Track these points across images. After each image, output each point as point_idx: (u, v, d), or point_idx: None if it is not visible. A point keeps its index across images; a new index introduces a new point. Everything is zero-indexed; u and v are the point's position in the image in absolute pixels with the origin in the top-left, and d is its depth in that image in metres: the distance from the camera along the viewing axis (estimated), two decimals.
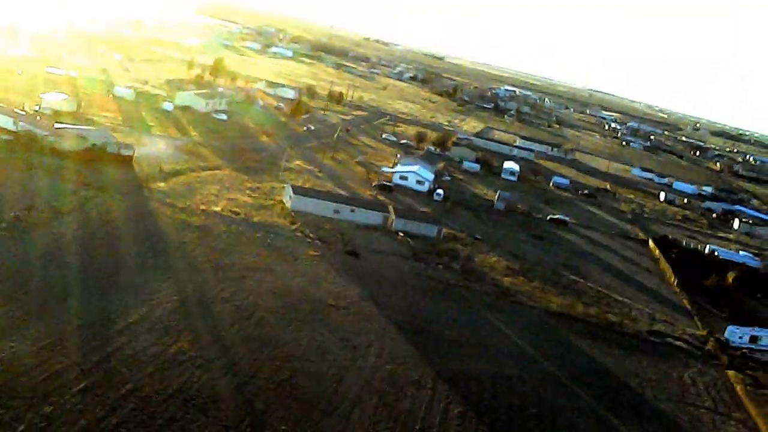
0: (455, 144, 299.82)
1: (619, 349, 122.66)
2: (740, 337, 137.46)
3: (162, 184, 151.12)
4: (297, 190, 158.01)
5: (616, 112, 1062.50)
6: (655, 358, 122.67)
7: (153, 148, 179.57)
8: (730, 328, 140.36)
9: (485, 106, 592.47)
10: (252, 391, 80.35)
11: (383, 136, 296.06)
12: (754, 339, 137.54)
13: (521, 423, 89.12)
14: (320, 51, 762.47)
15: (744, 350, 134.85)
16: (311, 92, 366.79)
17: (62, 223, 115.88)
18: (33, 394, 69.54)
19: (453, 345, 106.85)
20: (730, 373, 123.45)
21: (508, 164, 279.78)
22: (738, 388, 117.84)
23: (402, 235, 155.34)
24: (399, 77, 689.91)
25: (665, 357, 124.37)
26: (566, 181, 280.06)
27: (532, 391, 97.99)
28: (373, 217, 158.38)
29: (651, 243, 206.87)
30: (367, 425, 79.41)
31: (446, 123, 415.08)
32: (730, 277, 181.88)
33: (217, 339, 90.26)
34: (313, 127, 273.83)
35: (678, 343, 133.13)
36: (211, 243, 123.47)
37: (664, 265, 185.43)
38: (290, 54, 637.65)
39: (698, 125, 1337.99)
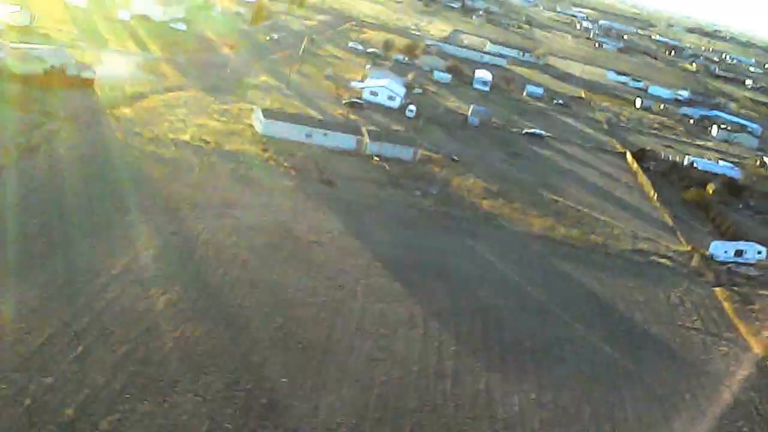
0: (425, 52, 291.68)
1: (605, 271, 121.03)
2: (725, 252, 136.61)
3: (127, 110, 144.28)
4: (267, 114, 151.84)
5: (587, 8, 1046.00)
6: (641, 278, 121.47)
7: (113, 67, 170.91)
8: (714, 243, 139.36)
9: (452, 5, 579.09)
10: (247, 342, 77.27)
11: (349, 44, 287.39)
12: (738, 253, 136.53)
13: (516, 357, 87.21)
14: None
15: (729, 265, 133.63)
16: None
17: (30, 163, 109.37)
18: (31, 364, 65.96)
19: (438, 278, 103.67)
20: (717, 290, 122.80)
21: (480, 73, 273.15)
22: (726, 305, 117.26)
23: (377, 159, 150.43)
24: None
25: (651, 277, 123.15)
26: (540, 90, 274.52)
27: (523, 323, 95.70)
28: (347, 141, 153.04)
29: (629, 156, 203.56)
30: (364, 370, 77.29)
31: (413, 27, 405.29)
32: (711, 189, 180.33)
33: (204, 287, 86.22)
34: (276, 36, 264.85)
35: (663, 260, 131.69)
36: (184, 178, 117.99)
37: (643, 179, 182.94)
38: None
39: (672, 22, 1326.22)
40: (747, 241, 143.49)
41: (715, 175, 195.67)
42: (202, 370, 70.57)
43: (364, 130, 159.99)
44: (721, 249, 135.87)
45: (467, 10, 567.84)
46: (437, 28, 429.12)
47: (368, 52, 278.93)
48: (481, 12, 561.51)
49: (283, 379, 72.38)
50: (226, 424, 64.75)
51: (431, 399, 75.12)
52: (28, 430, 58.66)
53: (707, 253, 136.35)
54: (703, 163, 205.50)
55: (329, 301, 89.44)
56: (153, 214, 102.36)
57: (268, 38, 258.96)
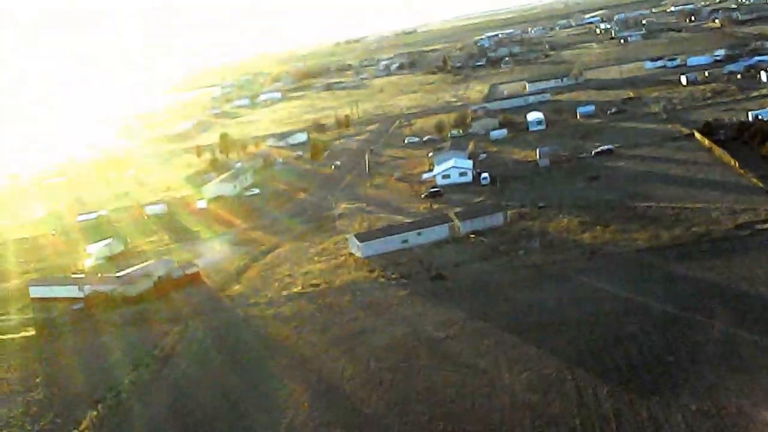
0: (473, 119, 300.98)
1: (718, 258, 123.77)
2: None
3: (237, 287, 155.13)
4: (361, 237, 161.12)
5: (597, 9, 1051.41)
6: (754, 252, 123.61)
7: (210, 254, 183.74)
8: None
9: (478, 64, 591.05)
10: None
11: (405, 141, 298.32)
12: None
13: (667, 375, 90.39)
14: (304, 79, 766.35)
15: None
16: (319, 128, 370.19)
17: (170, 369, 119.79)
18: None
19: (567, 329, 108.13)
20: None
21: (532, 115, 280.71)
22: None
23: (473, 236, 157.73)
24: (387, 72, 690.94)
25: (763, 247, 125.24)
26: (591, 108, 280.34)
27: (659, 338, 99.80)
28: (440, 231, 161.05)
29: (697, 134, 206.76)
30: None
31: (454, 99, 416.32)
32: None
33: (363, 417, 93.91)
34: (339, 162, 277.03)
35: (766, 226, 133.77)
36: (309, 326, 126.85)
37: (719, 151, 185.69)
38: (279, 96, 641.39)
39: None
40: None
41: None
42: None
43: (451, 214, 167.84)
44: None
45: (493, 62, 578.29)
46: (475, 90, 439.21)
47: (425, 141, 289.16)
48: (506, 59, 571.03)
49: None
50: None
51: None
52: None
53: None
54: (767, 113, 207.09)
55: (479, 388, 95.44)
56: (295, 369, 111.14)
57: (332, 168, 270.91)
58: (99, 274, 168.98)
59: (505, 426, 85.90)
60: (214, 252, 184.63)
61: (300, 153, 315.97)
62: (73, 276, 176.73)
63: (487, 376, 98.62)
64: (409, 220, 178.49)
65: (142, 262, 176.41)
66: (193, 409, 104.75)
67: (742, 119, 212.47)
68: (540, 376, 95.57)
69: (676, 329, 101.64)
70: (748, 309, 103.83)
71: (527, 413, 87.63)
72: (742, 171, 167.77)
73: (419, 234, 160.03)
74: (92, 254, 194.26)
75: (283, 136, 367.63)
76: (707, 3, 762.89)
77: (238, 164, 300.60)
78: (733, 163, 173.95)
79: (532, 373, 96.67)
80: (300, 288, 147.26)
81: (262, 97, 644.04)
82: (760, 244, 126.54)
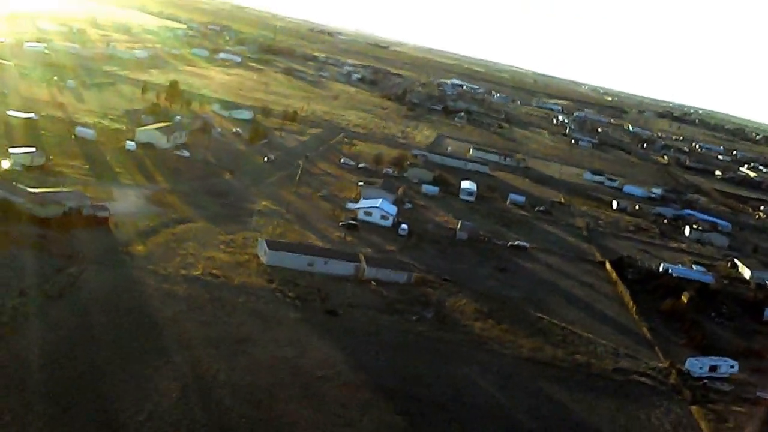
0: (411, 165, 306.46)
1: (589, 392, 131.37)
2: (700, 368, 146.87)
3: (141, 248, 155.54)
4: (271, 245, 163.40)
5: (561, 98, 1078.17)
6: (623, 399, 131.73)
7: (124, 202, 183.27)
8: (690, 360, 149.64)
9: (435, 107, 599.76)
10: None
11: (342, 161, 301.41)
12: (713, 368, 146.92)
13: None
14: (268, 53, 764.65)
15: (704, 380, 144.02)
16: (266, 111, 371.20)
17: (57, 310, 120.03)
18: None
19: (435, 409, 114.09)
20: (694, 409, 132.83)
21: (465, 184, 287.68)
22: (702, 425, 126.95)
23: (374, 284, 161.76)
24: (348, 79, 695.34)
25: (632, 396, 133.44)
26: (522, 198, 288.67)
27: None
28: (346, 268, 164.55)
29: (608, 265, 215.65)
30: None
31: (400, 134, 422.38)
32: (685, 297, 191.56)
33: (224, 430, 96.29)
34: (273, 157, 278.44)
35: (642, 379, 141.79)
36: (198, 316, 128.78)
37: (622, 288, 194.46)
38: (239, 59, 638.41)
39: (643, 107, 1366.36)
40: (720, 354, 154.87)
41: (690, 281, 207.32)
42: None
43: (361, 256, 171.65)
44: (697, 365, 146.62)
45: (449, 112, 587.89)
46: (422, 133, 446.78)
47: (360, 167, 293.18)
48: (462, 114, 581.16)
49: None
50: None
51: None
52: None
53: (684, 368, 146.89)
54: (677, 270, 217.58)
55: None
56: (173, 355, 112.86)
57: (264, 159, 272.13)
58: (14, 182, 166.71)
59: None
60: (128, 202, 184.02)
61: (239, 131, 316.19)
62: None
63: (345, 419, 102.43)
64: (320, 244, 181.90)
65: (58, 187, 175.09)
66: (63, 365, 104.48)
67: (653, 267, 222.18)
68: None
69: None
70: None
71: None
72: (636, 317, 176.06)
73: (326, 263, 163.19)
74: (12, 158, 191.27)
75: (229, 106, 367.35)
76: (662, 135, 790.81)
77: (178, 118, 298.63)
78: (631, 305, 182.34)
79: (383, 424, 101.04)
80: (200, 272, 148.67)
81: (222, 55, 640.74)
82: (630, 393, 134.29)
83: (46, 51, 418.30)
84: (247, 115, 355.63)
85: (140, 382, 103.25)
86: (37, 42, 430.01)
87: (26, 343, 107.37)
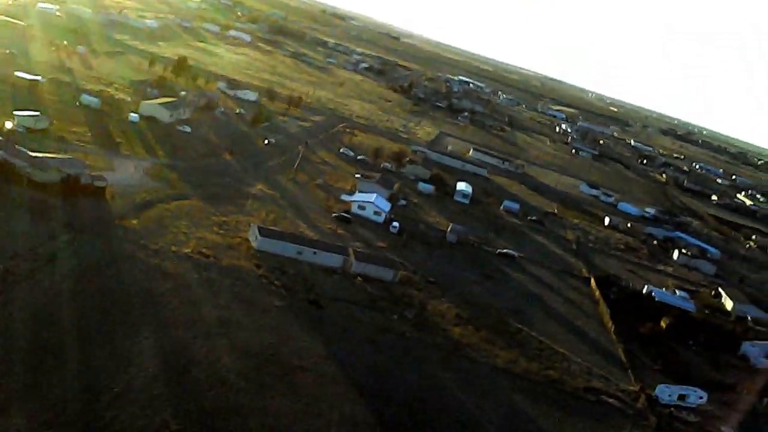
0: (410, 162, 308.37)
1: (559, 409, 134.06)
2: (669, 396, 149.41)
3: (135, 221, 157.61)
4: (263, 232, 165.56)
5: (567, 105, 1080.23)
6: (591, 419, 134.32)
7: (123, 173, 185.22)
8: (660, 386, 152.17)
9: (439, 104, 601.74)
10: None
11: (341, 150, 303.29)
12: (682, 397, 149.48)
13: None
14: (278, 34, 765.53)
15: (672, 409, 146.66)
16: (271, 95, 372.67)
17: (47, 275, 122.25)
18: None
19: (406, 410, 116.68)
20: None
21: (461, 186, 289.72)
22: None
23: (360, 279, 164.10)
24: (355, 68, 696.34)
25: (599, 417, 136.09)
26: (516, 206, 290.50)
27: None
28: (334, 260, 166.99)
29: (593, 282, 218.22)
30: None
31: (401, 128, 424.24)
32: (664, 323, 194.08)
33: (196, 410, 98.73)
34: (273, 140, 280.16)
35: (611, 400, 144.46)
36: (184, 294, 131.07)
37: (603, 308, 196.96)
38: (248, 39, 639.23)
39: (648, 122, 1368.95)
40: (692, 383, 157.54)
41: (671, 306, 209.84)
42: None
43: (350, 250, 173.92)
44: (666, 392, 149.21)
45: (454, 110, 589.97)
46: (424, 130, 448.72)
47: (358, 159, 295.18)
48: (466, 113, 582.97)
49: None
50: None
51: None
52: None
53: (653, 394, 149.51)
54: (660, 294, 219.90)
55: (306, 429, 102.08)
56: (155, 332, 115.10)
57: (265, 142, 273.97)
58: (15, 145, 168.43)
59: None
60: (126, 173, 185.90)
61: (243, 111, 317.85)
62: None
63: (319, 422, 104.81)
64: (312, 233, 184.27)
65: (59, 153, 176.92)
66: (45, 330, 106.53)
67: (637, 288, 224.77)
68: None
69: None
70: None
71: None
72: (614, 337, 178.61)
73: (314, 253, 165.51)
74: (16, 120, 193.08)
75: (234, 85, 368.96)
76: (663, 152, 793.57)
77: (183, 93, 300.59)
78: (610, 326, 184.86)
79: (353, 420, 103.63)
80: (190, 250, 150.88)
81: (232, 33, 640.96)
82: (598, 413, 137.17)
83: (58, 13, 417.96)
84: (252, 96, 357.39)
85: (120, 354, 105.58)
86: (50, 4, 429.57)
87: (12, 307, 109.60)
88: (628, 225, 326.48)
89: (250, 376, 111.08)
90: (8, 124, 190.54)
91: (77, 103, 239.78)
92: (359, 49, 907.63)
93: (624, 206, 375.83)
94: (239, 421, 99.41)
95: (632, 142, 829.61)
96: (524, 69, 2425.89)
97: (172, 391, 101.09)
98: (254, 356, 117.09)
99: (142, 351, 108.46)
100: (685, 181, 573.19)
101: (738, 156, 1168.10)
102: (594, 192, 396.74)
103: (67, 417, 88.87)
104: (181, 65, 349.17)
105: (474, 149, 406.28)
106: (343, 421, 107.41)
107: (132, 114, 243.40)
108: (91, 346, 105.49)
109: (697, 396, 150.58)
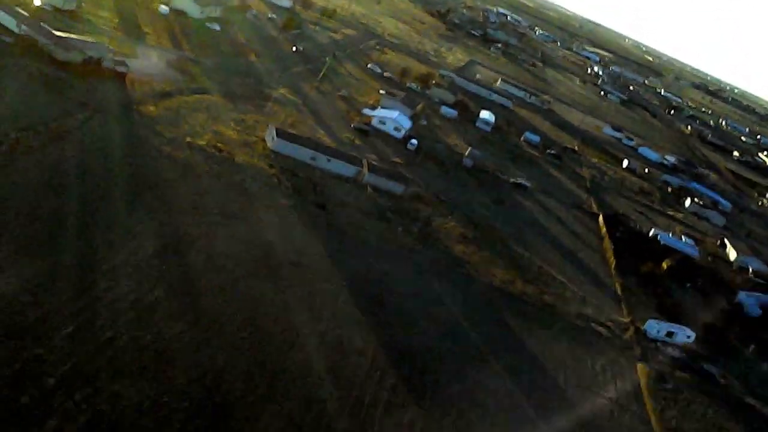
0: (436, 85, 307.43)
1: (547, 329, 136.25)
2: (657, 331, 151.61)
3: (152, 108, 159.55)
4: (280, 133, 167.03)
5: (603, 49, 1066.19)
6: (576, 342, 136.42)
7: (145, 62, 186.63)
8: (649, 321, 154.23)
9: (474, 33, 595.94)
10: (216, 345, 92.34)
11: (368, 65, 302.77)
12: (669, 334, 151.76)
13: (446, 398, 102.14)
14: None
15: (658, 343, 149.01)
16: (306, 3, 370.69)
17: (57, 149, 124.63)
18: (27, 334, 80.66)
19: (397, 314, 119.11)
20: (640, 366, 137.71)
21: (484, 114, 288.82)
22: (642, 381, 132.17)
23: (371, 189, 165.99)
24: None
25: (585, 342, 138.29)
26: (537, 139, 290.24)
27: (456, 368, 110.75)
28: (347, 169, 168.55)
29: (601, 219, 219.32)
30: (312, 392, 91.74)
31: (432, 52, 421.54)
32: (665, 264, 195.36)
33: (189, 289, 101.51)
34: (302, 48, 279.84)
35: (600, 329, 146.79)
36: (193, 184, 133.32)
37: (607, 244, 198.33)
38: None
39: (680, 74, 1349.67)
40: (683, 322, 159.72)
41: (676, 251, 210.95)
42: (171, 364, 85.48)
43: (364, 161, 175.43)
44: (655, 328, 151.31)
45: (487, 40, 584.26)
46: (455, 56, 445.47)
47: (385, 76, 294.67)
48: (499, 44, 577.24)
49: (239, 385, 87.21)
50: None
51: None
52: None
53: (642, 328, 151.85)
54: (666, 238, 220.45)
55: (296, 321, 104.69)
56: (158, 213, 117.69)
57: (293, 49, 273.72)
58: (41, 22, 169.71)
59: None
60: (149, 63, 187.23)
61: (274, 16, 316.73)
62: (17, 9, 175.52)
63: (311, 315, 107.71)
64: (329, 141, 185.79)
65: (84, 35, 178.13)
66: (48, 200, 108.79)
67: (644, 229, 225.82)
68: (349, 342, 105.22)
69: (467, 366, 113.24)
70: (536, 382, 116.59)
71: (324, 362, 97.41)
72: (614, 272, 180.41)
73: (328, 161, 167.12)
74: None
75: None
76: (692, 105, 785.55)
77: None
78: (611, 261, 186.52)
79: (345, 333, 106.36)
80: (205, 143, 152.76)
81: None
82: (585, 339, 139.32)
83: None
84: (286, 2, 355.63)
85: (120, 231, 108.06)
86: None
87: (16, 176, 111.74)
88: (646, 170, 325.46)
89: (246, 266, 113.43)
90: (36, 2, 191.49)
91: None
92: None
93: (644, 151, 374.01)
94: (231, 305, 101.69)
95: (662, 91, 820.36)
96: (564, 8, 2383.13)
97: (169, 270, 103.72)
98: (253, 248, 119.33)
99: (143, 231, 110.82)
100: (710, 135, 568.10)
101: (766, 117, 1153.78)
102: (617, 134, 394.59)
103: (62, 282, 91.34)
104: None
105: (502, 80, 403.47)
106: (333, 317, 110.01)
107: (162, 6, 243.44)
108: (93, 220, 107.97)
109: (684, 334, 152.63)
